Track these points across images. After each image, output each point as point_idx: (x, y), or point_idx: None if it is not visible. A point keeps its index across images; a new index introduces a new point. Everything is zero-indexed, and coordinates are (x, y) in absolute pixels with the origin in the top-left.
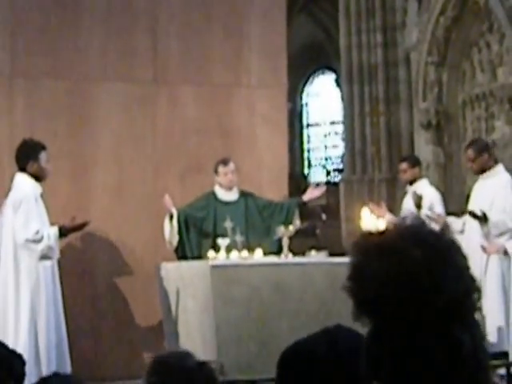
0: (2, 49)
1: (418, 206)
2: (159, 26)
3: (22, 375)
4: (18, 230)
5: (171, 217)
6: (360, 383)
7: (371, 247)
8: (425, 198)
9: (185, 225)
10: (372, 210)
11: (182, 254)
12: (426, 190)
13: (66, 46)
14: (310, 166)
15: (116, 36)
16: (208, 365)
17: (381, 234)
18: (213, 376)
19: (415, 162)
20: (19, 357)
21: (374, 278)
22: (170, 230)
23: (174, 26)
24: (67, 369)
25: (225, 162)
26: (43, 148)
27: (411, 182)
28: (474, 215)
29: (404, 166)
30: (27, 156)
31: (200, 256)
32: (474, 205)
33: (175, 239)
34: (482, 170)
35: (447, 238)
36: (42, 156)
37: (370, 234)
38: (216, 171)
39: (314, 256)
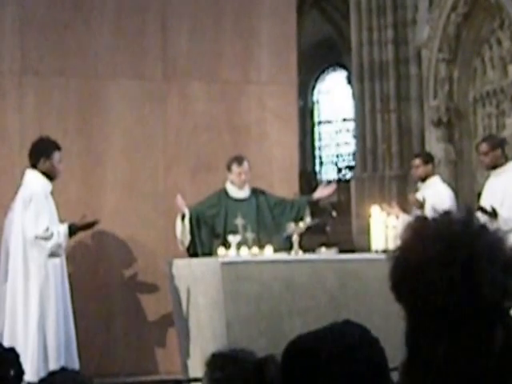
0: (12, 46)
1: (420, 207)
2: (169, 22)
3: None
4: (27, 226)
5: (183, 216)
6: (364, 380)
7: (415, 240)
8: (434, 196)
9: (197, 224)
10: (386, 211)
11: (193, 252)
12: (438, 187)
13: (76, 43)
14: (321, 163)
15: (126, 33)
16: (276, 358)
17: (424, 225)
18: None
19: (429, 159)
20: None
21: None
22: (181, 230)
23: (184, 23)
24: (75, 366)
25: (239, 162)
26: (58, 148)
27: (423, 179)
28: (484, 211)
29: (417, 161)
30: (40, 153)
31: (211, 254)
32: (485, 201)
33: (187, 239)
34: (493, 166)
35: (492, 232)
36: (56, 155)
37: (423, 219)
38: (229, 169)
39: (324, 253)
